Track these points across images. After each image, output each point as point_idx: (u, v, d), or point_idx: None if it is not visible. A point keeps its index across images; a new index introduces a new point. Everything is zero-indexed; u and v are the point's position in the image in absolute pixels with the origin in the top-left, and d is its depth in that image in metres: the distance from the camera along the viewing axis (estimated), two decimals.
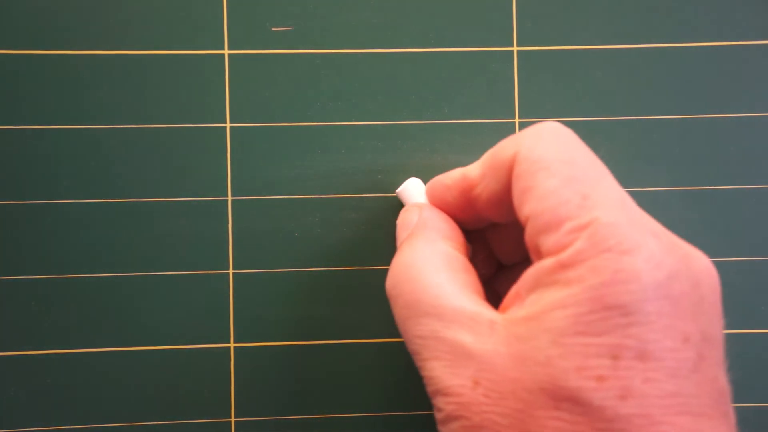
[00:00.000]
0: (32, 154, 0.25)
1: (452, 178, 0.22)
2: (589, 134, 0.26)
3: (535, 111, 0.26)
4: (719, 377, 0.16)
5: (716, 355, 0.16)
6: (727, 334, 0.17)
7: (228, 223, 0.26)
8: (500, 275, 0.24)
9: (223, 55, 0.26)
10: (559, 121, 0.26)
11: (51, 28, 0.25)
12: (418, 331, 0.18)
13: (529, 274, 0.17)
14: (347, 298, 0.26)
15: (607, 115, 0.26)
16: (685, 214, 0.26)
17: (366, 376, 0.26)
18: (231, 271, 0.26)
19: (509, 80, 0.26)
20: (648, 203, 0.26)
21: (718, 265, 0.27)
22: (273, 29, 0.26)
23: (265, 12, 0.26)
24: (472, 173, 0.21)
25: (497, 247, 0.23)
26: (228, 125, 0.26)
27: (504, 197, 0.20)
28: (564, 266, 0.16)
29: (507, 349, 0.16)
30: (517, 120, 0.26)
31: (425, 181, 0.24)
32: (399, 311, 0.19)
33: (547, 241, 0.17)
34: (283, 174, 0.26)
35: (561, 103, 0.26)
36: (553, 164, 0.18)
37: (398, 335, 0.25)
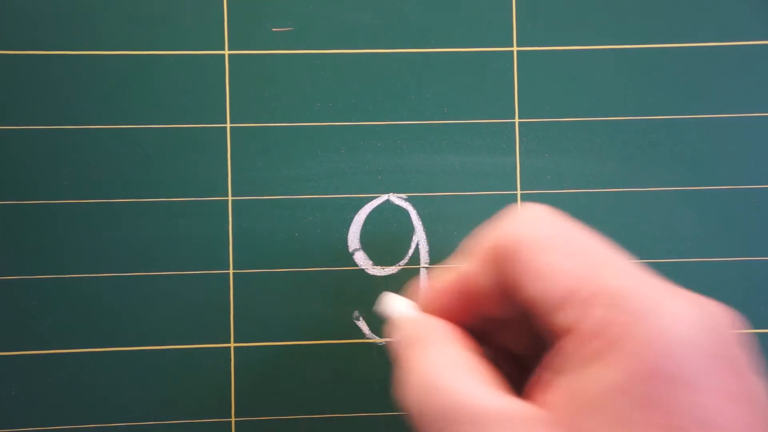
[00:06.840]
0: (32, 155, 0.25)
1: (447, 280, 0.21)
2: (589, 134, 0.26)
3: (535, 111, 0.26)
4: None
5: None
6: None
7: (228, 223, 0.26)
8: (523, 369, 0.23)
9: (223, 55, 0.26)
10: (559, 121, 0.27)
11: (51, 29, 0.25)
12: None
13: (551, 357, 0.17)
14: (347, 298, 0.26)
15: (607, 115, 0.26)
16: (685, 214, 0.26)
17: (366, 377, 0.26)
18: (231, 271, 0.26)
19: (509, 80, 0.26)
20: (648, 203, 0.26)
21: (719, 265, 0.27)
22: (273, 30, 0.26)
23: (265, 12, 0.26)
24: (469, 272, 0.21)
25: (509, 342, 0.23)
26: (228, 125, 0.26)
27: (505, 288, 0.19)
28: (588, 341, 0.16)
29: None
30: (516, 120, 0.26)
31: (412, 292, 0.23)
32: (429, 428, 0.19)
33: (561, 318, 0.16)
34: (283, 174, 0.26)
35: (561, 103, 0.26)
36: (547, 242, 0.18)
37: None
